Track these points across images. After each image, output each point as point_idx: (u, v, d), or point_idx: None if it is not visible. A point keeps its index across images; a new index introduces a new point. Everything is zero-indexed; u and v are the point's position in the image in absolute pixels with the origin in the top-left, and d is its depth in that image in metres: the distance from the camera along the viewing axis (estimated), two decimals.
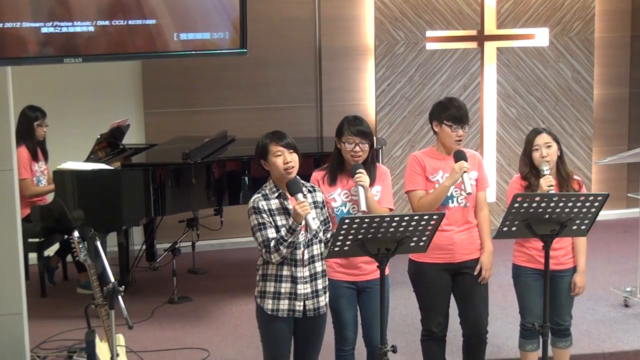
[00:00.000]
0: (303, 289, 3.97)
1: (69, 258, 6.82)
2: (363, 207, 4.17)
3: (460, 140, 4.43)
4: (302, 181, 4.01)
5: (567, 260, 4.62)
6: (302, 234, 3.93)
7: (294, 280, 3.96)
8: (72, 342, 5.53)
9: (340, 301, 4.30)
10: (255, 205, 3.93)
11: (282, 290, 3.96)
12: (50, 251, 6.86)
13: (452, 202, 4.44)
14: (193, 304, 6.46)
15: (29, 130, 6.65)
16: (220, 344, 5.66)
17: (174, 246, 6.51)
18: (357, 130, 4.25)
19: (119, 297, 3.90)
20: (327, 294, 4.10)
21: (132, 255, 6.86)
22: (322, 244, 4.05)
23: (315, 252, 4.01)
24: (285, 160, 3.94)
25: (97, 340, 4.38)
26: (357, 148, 4.25)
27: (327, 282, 4.11)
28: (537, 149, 4.52)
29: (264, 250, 3.92)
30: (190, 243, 7.09)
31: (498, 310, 6.02)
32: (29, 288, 5.04)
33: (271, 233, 3.89)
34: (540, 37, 8.47)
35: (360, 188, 4.20)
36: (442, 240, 4.38)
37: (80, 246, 4.19)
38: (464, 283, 4.52)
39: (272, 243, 3.87)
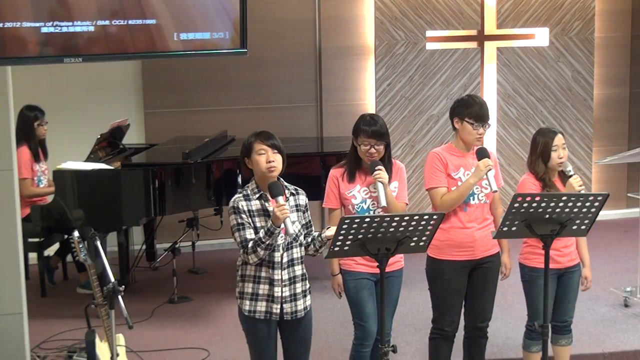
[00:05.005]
0: (281, 291, 3.93)
1: (69, 258, 6.82)
2: (383, 203, 4.18)
3: (480, 138, 4.45)
4: (286, 184, 3.99)
5: (576, 256, 4.66)
6: (281, 237, 3.89)
7: (271, 282, 3.92)
8: (72, 342, 5.54)
9: (362, 293, 4.29)
10: (235, 205, 3.90)
11: (260, 292, 3.93)
12: (50, 251, 6.86)
13: (474, 200, 4.44)
14: (193, 304, 6.46)
15: (30, 130, 6.64)
16: (220, 344, 5.66)
17: (174, 246, 6.50)
18: (373, 131, 4.25)
19: (119, 297, 3.89)
20: (308, 298, 4.05)
21: (132, 255, 6.86)
22: (303, 248, 4.01)
23: (295, 256, 3.96)
24: (268, 159, 3.90)
25: (97, 340, 4.38)
26: (373, 150, 4.27)
27: (307, 286, 4.05)
28: (555, 150, 4.51)
29: (241, 250, 3.90)
30: (190, 243, 7.08)
31: (498, 310, 5.99)
32: (29, 288, 5.03)
33: (249, 234, 3.86)
34: (540, 37, 8.47)
35: (380, 184, 4.20)
36: (464, 237, 4.41)
37: (80, 246, 4.18)
38: (478, 276, 4.52)
39: (250, 244, 3.84)
